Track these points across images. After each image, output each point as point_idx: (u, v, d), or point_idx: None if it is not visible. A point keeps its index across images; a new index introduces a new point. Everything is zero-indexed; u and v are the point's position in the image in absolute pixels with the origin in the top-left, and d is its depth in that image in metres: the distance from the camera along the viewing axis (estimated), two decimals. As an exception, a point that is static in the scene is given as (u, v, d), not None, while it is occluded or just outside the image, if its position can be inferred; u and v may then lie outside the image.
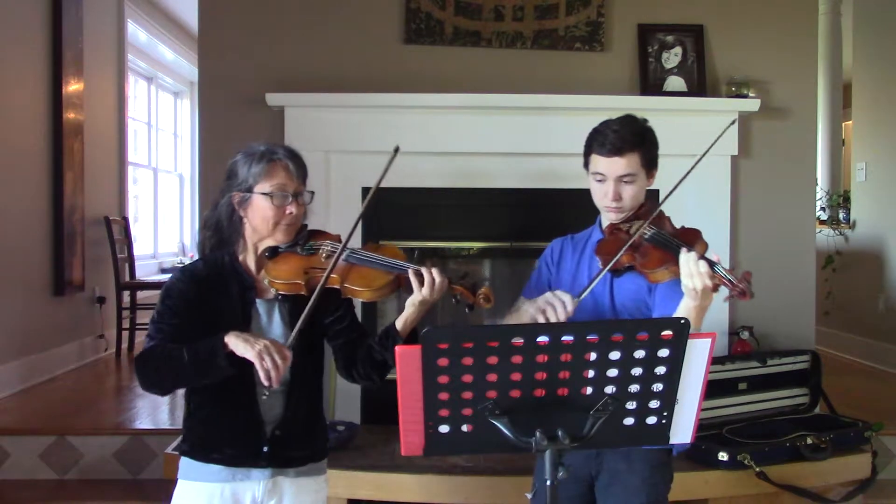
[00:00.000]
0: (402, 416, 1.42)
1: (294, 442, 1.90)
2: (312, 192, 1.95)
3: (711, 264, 1.70)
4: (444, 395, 1.39)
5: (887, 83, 5.24)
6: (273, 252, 1.89)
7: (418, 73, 3.48)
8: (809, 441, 2.95)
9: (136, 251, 5.79)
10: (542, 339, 1.36)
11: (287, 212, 1.87)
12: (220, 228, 1.91)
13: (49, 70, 4.67)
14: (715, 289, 1.69)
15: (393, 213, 3.53)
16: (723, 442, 2.95)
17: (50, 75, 4.67)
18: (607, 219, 2.05)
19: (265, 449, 1.86)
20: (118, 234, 5.50)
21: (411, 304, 1.83)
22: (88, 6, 5.10)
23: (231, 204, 1.89)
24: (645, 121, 2.06)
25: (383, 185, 3.62)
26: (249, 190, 1.86)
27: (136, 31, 6.31)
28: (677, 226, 2.00)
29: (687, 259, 1.72)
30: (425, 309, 1.84)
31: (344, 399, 3.40)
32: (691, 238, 1.88)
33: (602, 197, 2.02)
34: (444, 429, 1.42)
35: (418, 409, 1.40)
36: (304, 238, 1.93)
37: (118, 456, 3.26)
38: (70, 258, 4.80)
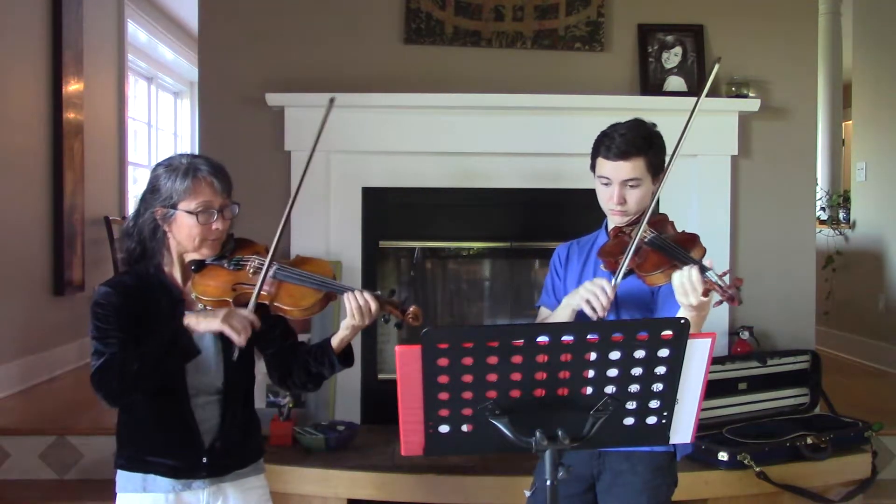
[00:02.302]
0: (402, 416, 1.42)
1: (233, 449, 1.90)
2: (238, 205, 1.91)
3: (703, 270, 1.70)
4: (444, 395, 1.39)
5: (887, 83, 5.24)
6: (199, 265, 1.85)
7: (418, 73, 3.48)
8: (809, 441, 2.95)
9: (136, 251, 5.78)
10: (542, 339, 1.36)
11: (213, 228, 1.84)
12: (143, 241, 1.88)
13: (49, 70, 4.66)
14: (705, 294, 1.70)
15: (393, 213, 3.54)
16: (723, 442, 2.96)
17: (50, 75, 4.67)
18: (613, 222, 2.06)
19: (205, 460, 1.85)
20: (118, 234, 5.50)
21: (346, 327, 1.84)
22: (88, 6, 5.10)
23: (154, 219, 1.85)
24: (653, 125, 2.04)
25: (383, 185, 3.65)
26: (174, 206, 1.82)
27: (136, 31, 6.31)
28: (679, 230, 1.99)
29: (678, 276, 1.72)
30: (359, 330, 1.85)
31: (344, 399, 3.40)
32: (689, 243, 1.87)
33: (607, 200, 2.01)
34: (444, 429, 1.42)
35: (418, 409, 1.40)
36: (230, 250, 1.89)
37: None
38: (70, 258, 4.80)
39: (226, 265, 1.86)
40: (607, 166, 1.99)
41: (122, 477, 1.88)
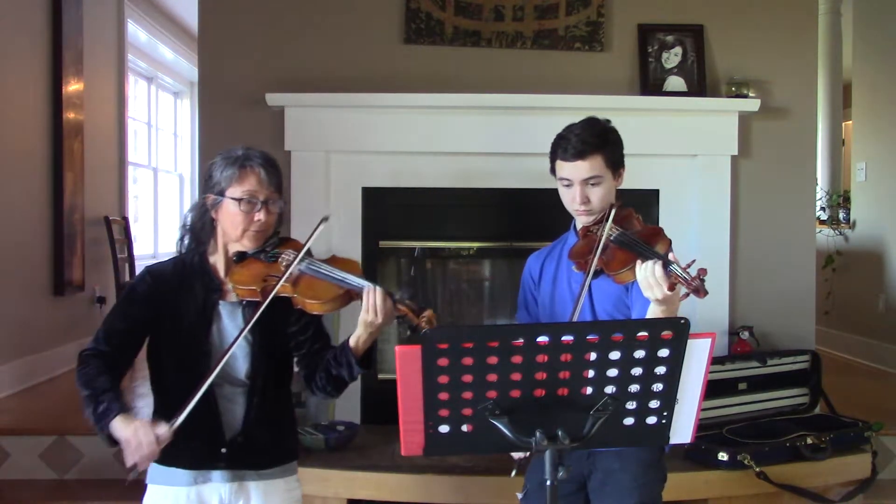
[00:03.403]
0: (402, 416, 1.42)
1: (256, 446, 1.89)
2: (284, 202, 1.95)
3: (667, 264, 1.70)
4: (444, 395, 1.38)
5: (887, 83, 5.24)
6: (240, 257, 1.91)
7: (418, 73, 3.48)
8: (809, 441, 2.95)
9: (136, 251, 5.79)
10: (543, 339, 1.36)
11: (255, 218, 1.87)
12: (194, 228, 1.94)
13: (49, 70, 4.66)
14: (672, 287, 1.69)
15: (393, 213, 3.53)
16: (723, 442, 2.95)
17: (50, 75, 4.67)
18: (580, 222, 2.07)
19: (223, 450, 1.86)
20: (118, 234, 5.50)
21: (360, 322, 1.83)
22: (88, 6, 5.10)
23: (204, 205, 1.91)
24: (607, 121, 2.06)
25: (383, 185, 3.65)
26: (221, 193, 1.87)
27: (136, 31, 6.31)
28: (650, 224, 2.00)
29: (641, 270, 1.72)
30: (376, 329, 1.83)
31: (344, 399, 3.36)
32: (653, 237, 1.87)
33: (571, 201, 2.04)
34: (444, 429, 1.42)
35: (418, 409, 1.40)
36: (272, 245, 1.93)
37: (118, 456, 3.24)
38: (70, 258, 4.80)
39: (262, 258, 1.91)
40: (566, 167, 2.01)
41: (152, 467, 1.87)
